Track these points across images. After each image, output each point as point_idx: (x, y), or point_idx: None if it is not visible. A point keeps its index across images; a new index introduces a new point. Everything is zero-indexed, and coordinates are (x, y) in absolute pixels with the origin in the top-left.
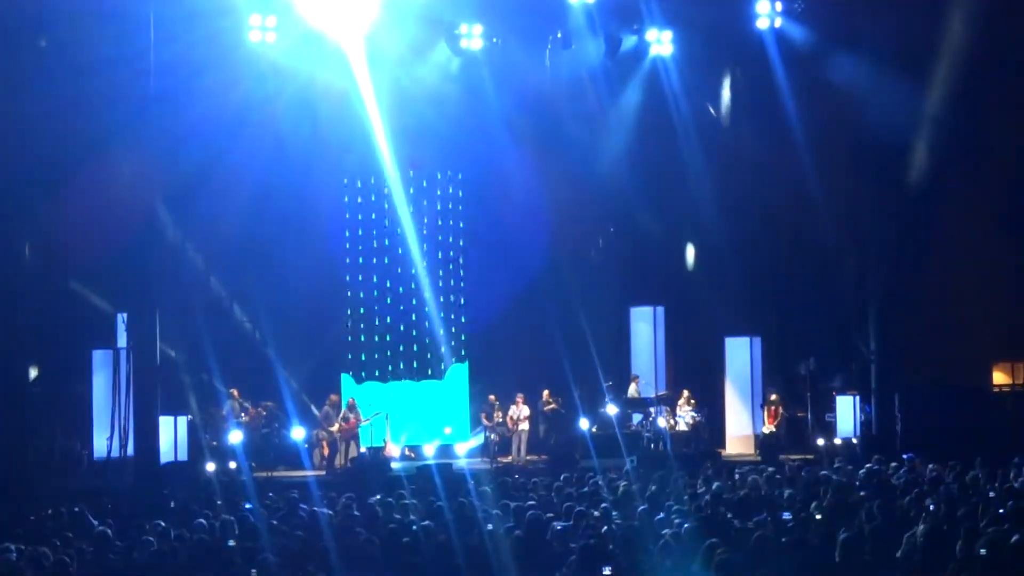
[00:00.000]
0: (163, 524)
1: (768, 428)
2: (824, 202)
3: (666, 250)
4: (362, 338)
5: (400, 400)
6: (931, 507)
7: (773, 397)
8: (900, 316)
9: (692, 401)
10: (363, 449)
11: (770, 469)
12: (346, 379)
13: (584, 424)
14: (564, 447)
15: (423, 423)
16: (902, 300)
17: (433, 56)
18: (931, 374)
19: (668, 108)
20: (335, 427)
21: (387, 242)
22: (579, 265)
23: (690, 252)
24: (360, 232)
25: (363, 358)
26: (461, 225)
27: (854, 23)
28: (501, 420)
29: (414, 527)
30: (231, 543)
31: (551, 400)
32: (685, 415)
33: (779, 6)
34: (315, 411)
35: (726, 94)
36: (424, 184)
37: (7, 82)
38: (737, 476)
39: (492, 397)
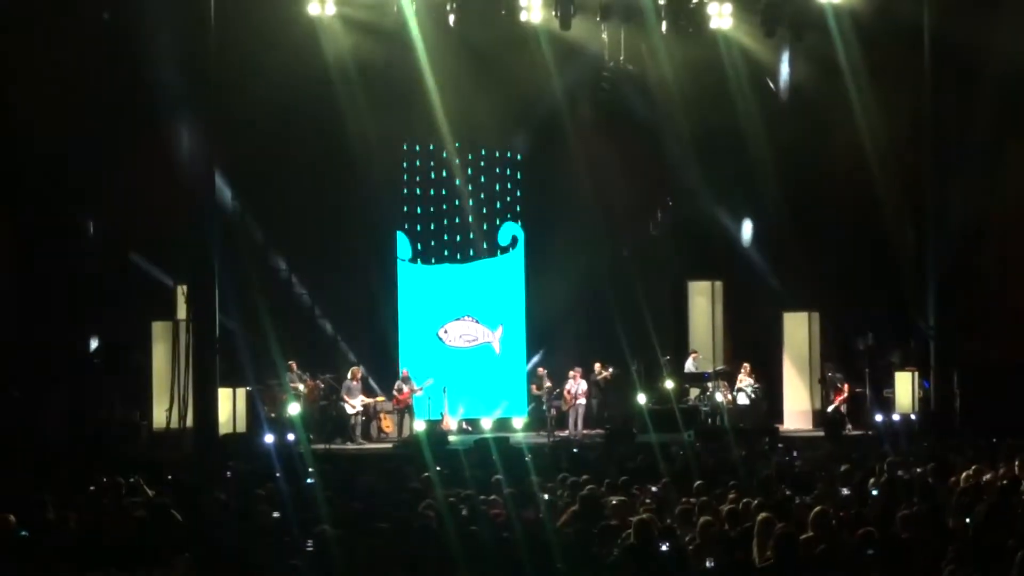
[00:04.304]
0: (221, 495)
1: (835, 406)
2: (884, 176)
3: (724, 224)
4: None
5: (457, 374)
6: (988, 484)
7: (831, 375)
8: (960, 291)
9: (752, 374)
10: (420, 422)
11: (828, 445)
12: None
13: (641, 398)
14: (621, 421)
15: (480, 397)
16: (962, 275)
17: (494, 29)
18: (990, 350)
19: (727, 81)
20: (360, 400)
21: (445, 220)
22: (637, 239)
23: (748, 227)
24: (419, 207)
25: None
26: (519, 194)
27: None
28: (555, 390)
29: (472, 500)
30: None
31: (603, 370)
32: (747, 388)
33: None
34: (372, 384)
35: (785, 67)
36: (482, 158)
37: (71, 55)
38: (795, 451)
39: (541, 370)
